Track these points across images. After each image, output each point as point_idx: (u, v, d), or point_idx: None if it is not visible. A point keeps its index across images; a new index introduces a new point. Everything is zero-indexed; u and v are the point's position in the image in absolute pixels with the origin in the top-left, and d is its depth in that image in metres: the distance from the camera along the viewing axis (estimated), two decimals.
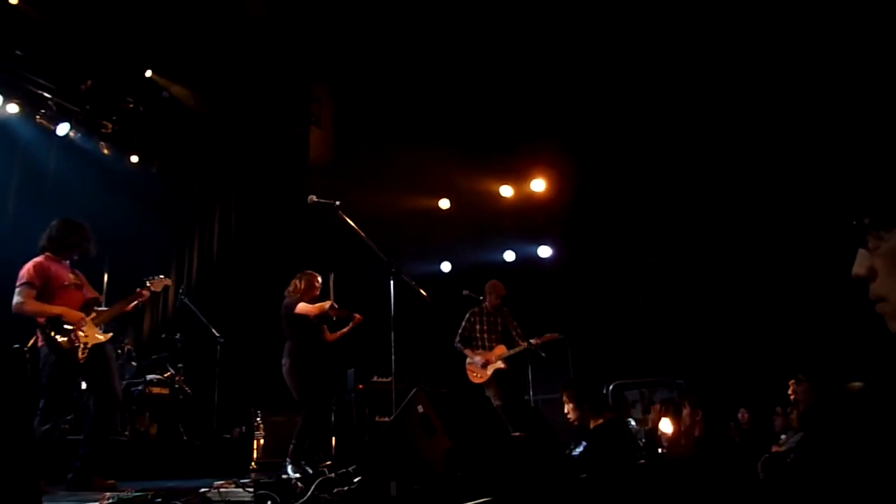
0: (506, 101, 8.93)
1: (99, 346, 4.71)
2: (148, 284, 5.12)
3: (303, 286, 5.82)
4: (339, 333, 5.91)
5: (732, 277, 8.26)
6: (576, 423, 3.90)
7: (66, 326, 4.55)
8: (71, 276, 4.78)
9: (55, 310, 4.54)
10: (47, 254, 4.73)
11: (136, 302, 4.99)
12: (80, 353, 4.54)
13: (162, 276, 5.24)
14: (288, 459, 5.42)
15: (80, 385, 6.60)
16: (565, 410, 3.97)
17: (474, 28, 8.02)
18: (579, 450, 3.60)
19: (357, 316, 5.75)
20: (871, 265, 1.07)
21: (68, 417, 6.31)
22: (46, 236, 4.77)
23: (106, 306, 5.06)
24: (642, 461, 4.74)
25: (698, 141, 8.19)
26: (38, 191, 7.77)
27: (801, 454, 3.41)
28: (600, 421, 3.78)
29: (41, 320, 4.55)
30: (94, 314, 4.73)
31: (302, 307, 5.63)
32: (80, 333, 4.58)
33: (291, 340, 5.72)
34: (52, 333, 4.50)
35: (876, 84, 6.12)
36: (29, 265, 4.59)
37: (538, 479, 3.49)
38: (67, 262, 4.84)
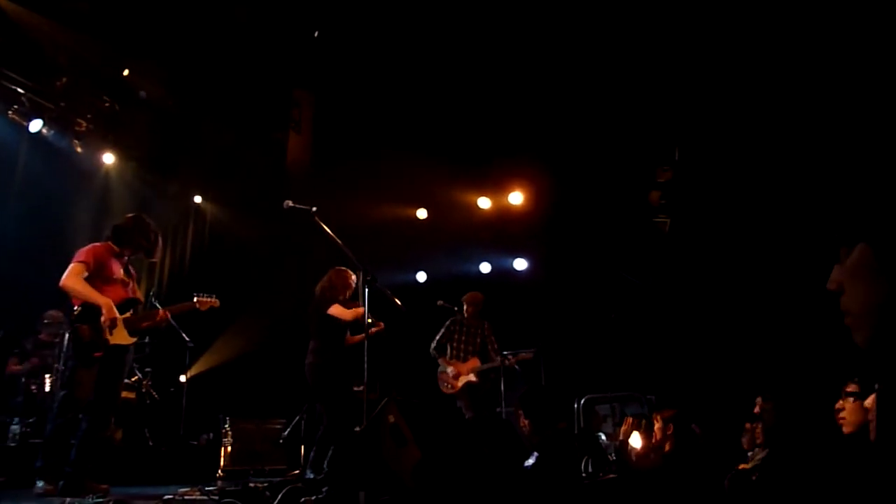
0: (487, 114, 8.97)
1: (121, 349, 4.65)
2: (195, 300, 5.13)
3: (338, 284, 5.58)
4: (357, 338, 5.64)
5: (705, 294, 8.35)
6: (529, 435, 3.86)
7: (97, 319, 4.48)
8: (122, 272, 4.79)
9: (100, 299, 4.49)
10: (109, 243, 4.77)
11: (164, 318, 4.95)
12: (97, 350, 4.48)
13: (213, 297, 5.22)
14: (309, 468, 5.31)
15: (43, 387, 6.46)
16: (521, 424, 3.95)
17: (456, 41, 8.06)
18: (531, 461, 3.57)
19: (379, 323, 5.44)
20: (840, 280, 1.10)
21: (30, 420, 6.17)
22: (114, 226, 4.84)
23: None
24: (612, 475, 4.75)
25: (673, 157, 8.30)
26: (6, 186, 7.61)
27: (766, 472, 3.46)
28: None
29: (75, 303, 4.52)
30: (129, 314, 4.70)
31: (336, 310, 5.42)
32: (108, 331, 4.52)
33: (317, 339, 5.48)
34: (79, 322, 4.46)
35: (844, 111, 6.26)
36: (88, 247, 4.64)
37: (494, 495, 3.46)
38: (125, 257, 4.87)
